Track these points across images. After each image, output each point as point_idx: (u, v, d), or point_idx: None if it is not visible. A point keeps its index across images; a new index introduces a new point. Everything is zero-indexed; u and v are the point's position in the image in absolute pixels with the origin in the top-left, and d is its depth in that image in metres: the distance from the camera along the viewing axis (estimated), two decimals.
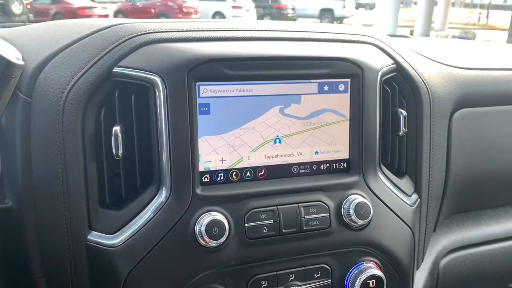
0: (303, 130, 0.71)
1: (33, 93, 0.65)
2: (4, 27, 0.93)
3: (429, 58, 0.88)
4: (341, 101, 0.73)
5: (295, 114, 0.70)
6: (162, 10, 15.34)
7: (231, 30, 0.71)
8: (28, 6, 12.46)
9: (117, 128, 0.63)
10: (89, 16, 13.00)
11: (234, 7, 16.24)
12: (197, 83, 0.64)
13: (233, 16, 15.94)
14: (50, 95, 0.64)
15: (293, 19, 17.45)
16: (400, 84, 0.80)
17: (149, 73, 0.63)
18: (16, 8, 11.00)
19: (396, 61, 0.78)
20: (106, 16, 14.25)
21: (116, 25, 0.68)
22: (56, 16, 13.07)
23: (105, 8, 14.67)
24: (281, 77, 0.69)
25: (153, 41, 0.66)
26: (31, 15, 11.86)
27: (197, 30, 0.69)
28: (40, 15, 12.80)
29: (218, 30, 0.70)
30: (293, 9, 17.86)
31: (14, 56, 0.64)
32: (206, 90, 0.65)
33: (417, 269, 0.86)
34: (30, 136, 0.65)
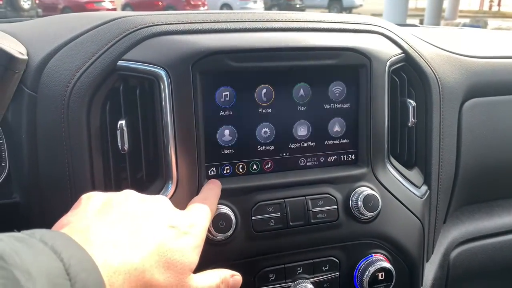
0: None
1: (38, 87, 0.65)
2: (12, 22, 0.93)
3: (438, 47, 0.86)
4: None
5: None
6: (170, 2, 15.35)
7: (237, 22, 0.70)
8: (37, 1, 12.54)
9: (122, 122, 0.63)
10: (97, 10, 13.04)
11: None
12: (203, 75, 0.64)
13: (241, 8, 15.89)
14: (55, 89, 0.63)
15: (301, 9, 17.35)
16: (409, 74, 0.79)
17: (153, 66, 0.62)
18: (25, 3, 11.06)
19: (404, 51, 0.77)
20: (114, 9, 14.29)
21: (120, 18, 0.68)
22: (65, 11, 13.15)
23: (113, 1, 14.69)
24: (287, 68, 0.68)
25: (157, 33, 0.65)
26: (40, 10, 11.93)
27: (201, 22, 0.68)
28: (49, 9, 12.88)
29: (223, 22, 0.69)
30: None
31: (17, 50, 0.64)
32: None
33: (427, 261, 0.85)
34: (36, 130, 0.65)
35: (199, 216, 0.55)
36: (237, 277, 0.60)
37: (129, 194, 0.53)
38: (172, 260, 0.48)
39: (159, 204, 0.53)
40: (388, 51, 0.74)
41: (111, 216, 0.48)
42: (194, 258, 0.51)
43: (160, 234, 0.48)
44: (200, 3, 15.62)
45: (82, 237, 0.43)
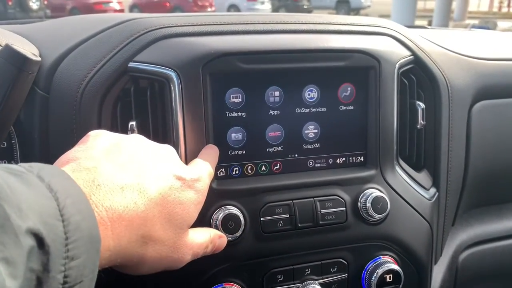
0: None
1: (50, 88, 0.66)
2: (22, 23, 0.94)
3: (447, 49, 0.86)
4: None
5: None
6: (177, 3, 15.39)
7: (246, 24, 0.70)
8: (46, 2, 12.63)
9: (133, 123, 0.63)
10: (105, 11, 13.13)
11: None
12: (213, 77, 0.64)
13: (248, 9, 15.90)
14: (66, 90, 0.64)
15: (309, 10, 17.33)
16: (418, 76, 0.79)
17: (164, 68, 0.63)
18: (34, 4, 11.16)
19: (413, 53, 0.77)
20: (122, 10, 14.36)
21: (130, 20, 0.69)
22: (73, 11, 13.24)
23: (121, 2, 14.77)
24: (297, 70, 0.68)
25: (167, 35, 0.66)
26: (48, 11, 12.03)
27: (211, 24, 0.68)
28: (57, 10, 12.98)
29: (233, 24, 0.69)
30: (308, 0, 17.72)
31: (31, 52, 0.65)
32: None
33: (435, 263, 0.85)
34: (48, 131, 0.65)
35: (203, 173, 0.54)
36: (224, 239, 0.60)
37: (138, 138, 0.52)
38: (174, 214, 0.47)
39: (167, 152, 0.52)
40: (397, 53, 0.74)
41: (119, 158, 0.46)
42: (194, 214, 0.50)
43: (166, 183, 0.47)
44: (207, 4, 15.65)
45: (89, 177, 0.41)
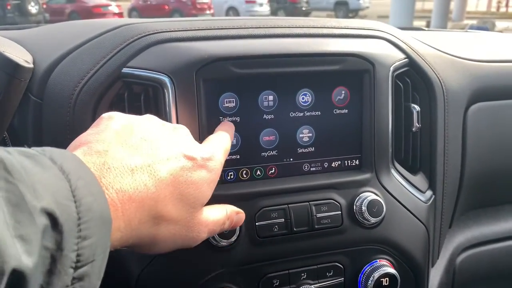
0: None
1: (44, 95, 0.66)
2: (19, 28, 0.94)
3: (442, 51, 0.86)
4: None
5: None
6: (176, 6, 15.41)
7: (240, 28, 0.70)
8: (44, 6, 12.65)
9: None
10: (104, 14, 13.15)
11: (247, 1, 16.22)
12: (206, 82, 0.64)
13: (247, 11, 15.91)
14: (60, 96, 0.64)
15: (307, 12, 17.35)
16: (413, 79, 0.79)
17: (157, 73, 0.63)
18: (33, 8, 11.19)
19: (408, 55, 0.77)
20: (121, 13, 14.37)
21: (124, 25, 0.69)
22: (72, 15, 13.25)
23: (120, 6, 14.79)
24: (291, 74, 0.68)
25: (161, 40, 0.65)
26: (47, 15, 12.05)
27: (205, 29, 0.68)
28: (56, 14, 13.00)
29: (227, 28, 0.69)
30: (307, 2, 17.75)
31: (23, 59, 0.65)
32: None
33: (432, 266, 0.84)
34: (41, 138, 0.65)
35: (216, 151, 0.54)
36: (241, 214, 0.60)
37: (150, 118, 0.52)
38: (186, 193, 0.47)
39: (180, 132, 0.53)
40: (391, 56, 0.74)
41: (131, 140, 0.46)
42: (208, 192, 0.51)
43: (177, 164, 0.48)
44: (206, 6, 15.67)
45: (100, 161, 0.41)
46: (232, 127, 0.64)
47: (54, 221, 0.32)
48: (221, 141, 0.58)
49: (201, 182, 0.49)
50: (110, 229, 0.38)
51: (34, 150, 0.36)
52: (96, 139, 0.45)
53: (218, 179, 0.53)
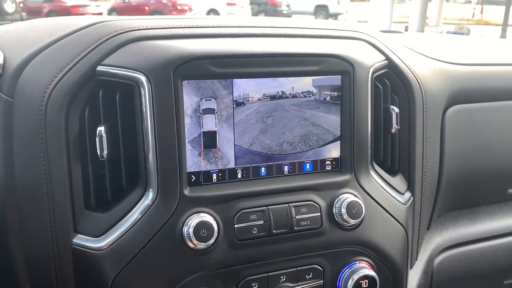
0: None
1: (15, 93, 0.63)
2: None
3: (421, 54, 0.87)
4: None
5: None
6: (156, 7, 15.28)
7: (219, 27, 0.69)
8: (21, 5, 12.39)
9: (101, 129, 0.61)
10: (82, 14, 12.93)
11: (228, 4, 16.19)
12: (184, 81, 0.63)
13: (228, 13, 15.90)
14: (32, 95, 0.62)
15: (288, 15, 17.44)
16: (392, 81, 0.79)
17: (133, 72, 0.61)
18: (9, 7, 10.94)
19: (387, 57, 0.77)
20: (100, 14, 14.18)
21: (100, 22, 0.67)
22: (50, 15, 13.00)
23: (99, 6, 14.59)
24: (270, 74, 0.67)
25: (138, 38, 0.64)
26: (24, 14, 11.80)
27: (183, 27, 0.67)
28: (33, 13, 12.72)
29: (205, 27, 0.68)
30: (287, 5, 17.84)
31: None
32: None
33: (411, 268, 0.85)
34: (12, 137, 0.63)
35: None
36: None
37: None
38: None
39: None
40: (371, 58, 0.74)
41: None
42: None
43: None
44: (186, 8, 15.58)
45: None
46: None
47: None
48: None
49: None
50: None
51: None
52: None
53: None
